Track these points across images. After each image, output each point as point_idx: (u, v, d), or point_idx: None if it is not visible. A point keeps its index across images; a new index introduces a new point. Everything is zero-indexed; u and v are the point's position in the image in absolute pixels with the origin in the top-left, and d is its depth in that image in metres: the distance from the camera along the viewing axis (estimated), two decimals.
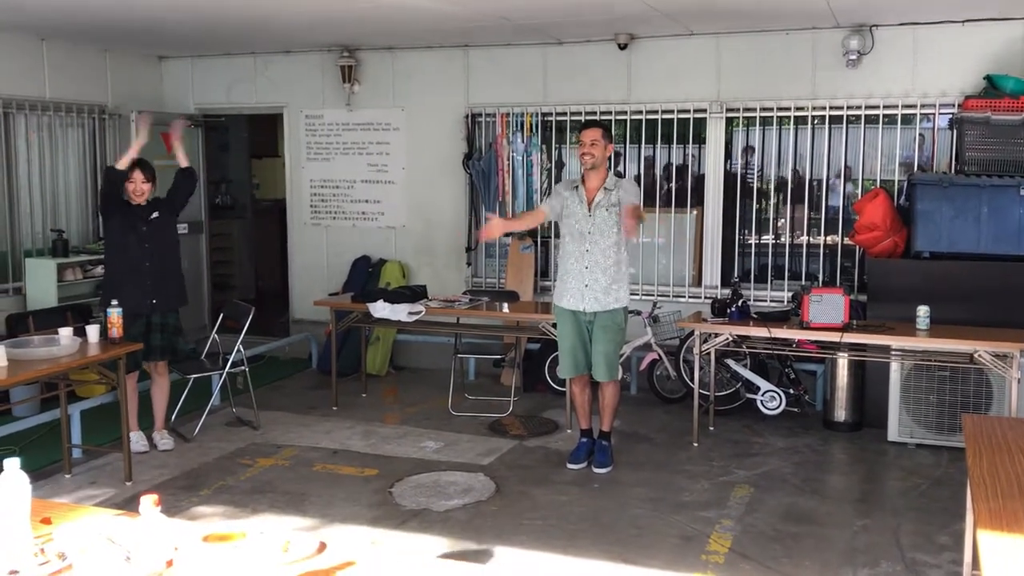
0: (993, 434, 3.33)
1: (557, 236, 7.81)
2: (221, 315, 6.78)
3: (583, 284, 5.34)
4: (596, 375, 5.47)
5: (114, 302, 5.25)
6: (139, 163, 5.77)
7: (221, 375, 6.43)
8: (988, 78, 6.27)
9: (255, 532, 2.50)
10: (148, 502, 2.05)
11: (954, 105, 6.53)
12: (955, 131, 6.43)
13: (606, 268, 5.32)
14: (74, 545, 2.34)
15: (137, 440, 5.77)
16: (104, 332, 5.23)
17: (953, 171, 6.46)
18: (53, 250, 7.33)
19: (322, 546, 2.42)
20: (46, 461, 5.59)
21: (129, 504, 4.45)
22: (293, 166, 8.63)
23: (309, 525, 4.66)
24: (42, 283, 7.12)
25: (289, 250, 8.81)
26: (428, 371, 8.00)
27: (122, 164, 5.67)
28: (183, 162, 5.98)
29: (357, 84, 8.15)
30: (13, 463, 2.24)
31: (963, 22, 6.48)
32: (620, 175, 7.60)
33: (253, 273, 11.07)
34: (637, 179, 7.70)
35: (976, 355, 5.37)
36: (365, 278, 8.10)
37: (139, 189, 5.68)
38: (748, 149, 7.53)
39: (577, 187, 5.41)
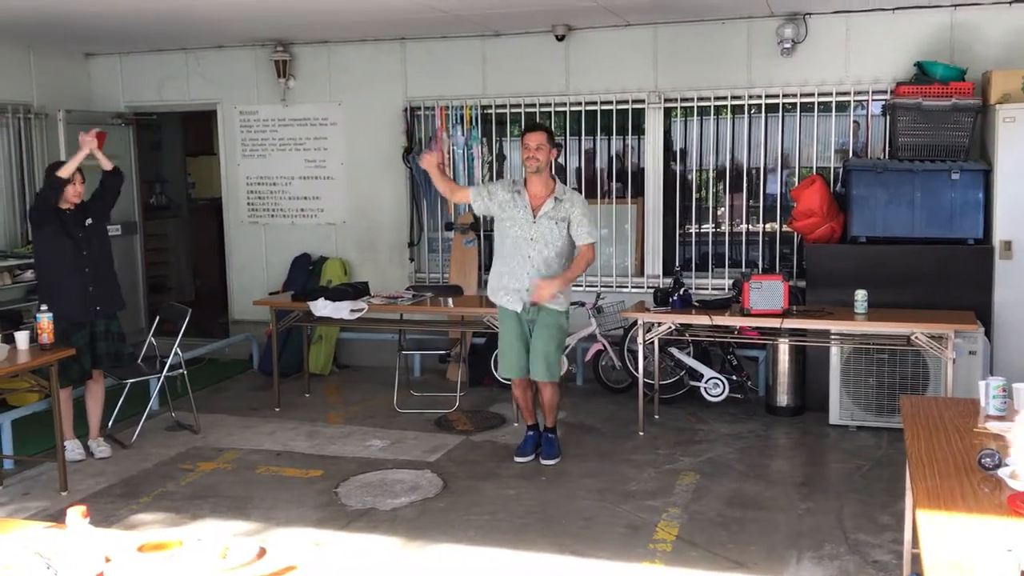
0: (930, 414, 3.38)
1: None
2: (157, 318, 6.62)
3: (525, 289, 5.25)
4: (534, 374, 5.39)
5: (43, 307, 5.11)
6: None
7: (159, 379, 6.27)
8: (919, 65, 6.39)
9: (192, 540, 2.43)
10: (75, 514, 1.98)
11: (887, 92, 6.63)
12: (888, 117, 6.54)
13: (547, 276, 5.18)
14: None
15: (73, 448, 5.61)
16: (35, 338, 5.07)
17: (887, 156, 6.57)
18: None
19: (262, 552, 2.37)
20: None
21: (64, 516, 4.32)
22: (228, 163, 8.46)
23: (252, 529, 4.57)
24: None
25: (227, 249, 8.64)
26: (373, 369, 7.91)
27: (66, 172, 5.42)
28: (107, 165, 5.79)
29: (292, 79, 8.02)
30: None
31: (893, 10, 6.58)
32: (561, 179, 7.60)
33: (191, 274, 10.85)
34: (577, 172, 7.69)
35: (913, 337, 5.47)
36: (306, 276, 7.99)
37: (78, 191, 5.53)
38: (686, 139, 7.57)
39: (520, 191, 5.28)
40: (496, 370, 7.10)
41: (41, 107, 7.84)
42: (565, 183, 7.76)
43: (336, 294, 6.54)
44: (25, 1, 5.95)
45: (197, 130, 10.59)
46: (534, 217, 5.22)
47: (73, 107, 7.96)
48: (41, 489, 5.20)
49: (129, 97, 8.55)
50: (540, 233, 5.21)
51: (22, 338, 5.04)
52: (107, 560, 2.21)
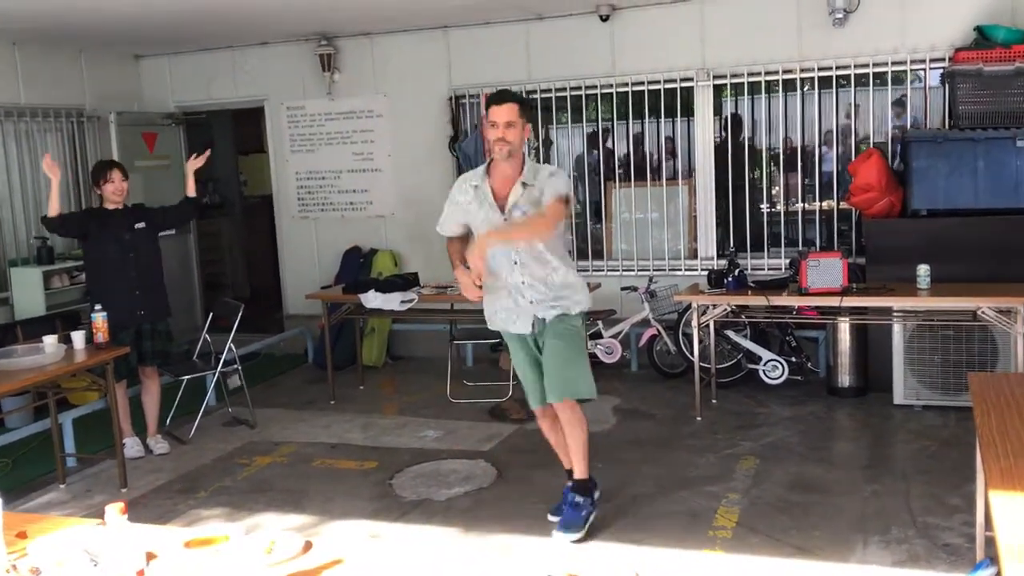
0: (1001, 392, 3.23)
1: None
2: (211, 314, 6.68)
3: (528, 301, 4.19)
4: (548, 396, 4.27)
5: (98, 307, 5.16)
6: (115, 164, 5.67)
7: (214, 375, 6.33)
8: (978, 29, 6.15)
9: (238, 534, 2.41)
10: (113, 511, 1.96)
11: (945, 59, 6.40)
12: (947, 85, 6.31)
13: (547, 277, 4.15)
14: (49, 559, 2.26)
15: (132, 445, 5.69)
16: (90, 338, 5.14)
17: (947, 127, 6.35)
18: (38, 258, 7.21)
19: (308, 545, 2.34)
20: (41, 471, 5.51)
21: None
22: (277, 159, 8.51)
23: (309, 522, 4.58)
24: (29, 292, 7.01)
25: (279, 245, 8.71)
26: (425, 359, 7.90)
27: (53, 211, 5.42)
28: (191, 191, 5.84)
29: (337, 72, 8.02)
30: None
31: None
32: (610, 164, 7.46)
33: (245, 271, 10.96)
34: (626, 155, 7.57)
35: (979, 312, 5.27)
36: (357, 269, 8.00)
37: (119, 188, 5.53)
38: (737, 116, 7.40)
39: (479, 184, 4.18)
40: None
41: (93, 110, 7.96)
42: (614, 167, 7.70)
43: (386, 285, 6.54)
44: (71, 6, 6.01)
45: (248, 128, 10.67)
46: (503, 211, 4.12)
47: (124, 109, 8.06)
48: (102, 486, 5.27)
49: (178, 96, 8.64)
50: None
51: (78, 338, 5.10)
52: (153, 556, 2.20)
